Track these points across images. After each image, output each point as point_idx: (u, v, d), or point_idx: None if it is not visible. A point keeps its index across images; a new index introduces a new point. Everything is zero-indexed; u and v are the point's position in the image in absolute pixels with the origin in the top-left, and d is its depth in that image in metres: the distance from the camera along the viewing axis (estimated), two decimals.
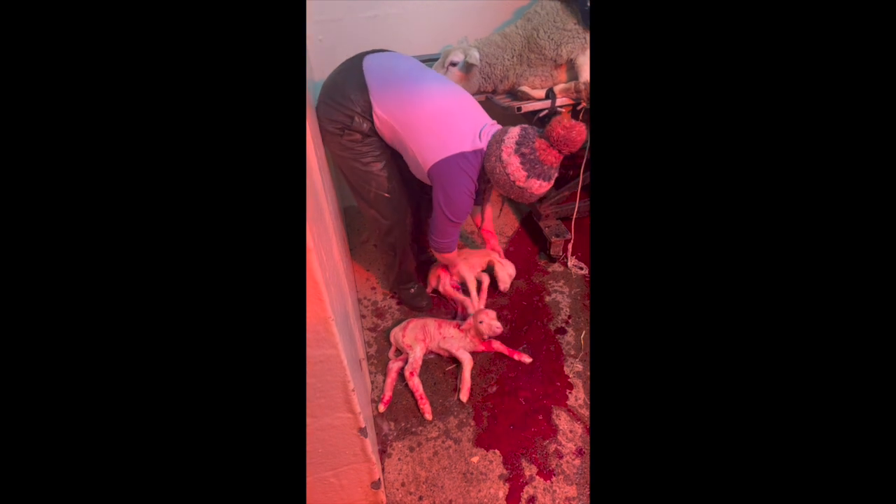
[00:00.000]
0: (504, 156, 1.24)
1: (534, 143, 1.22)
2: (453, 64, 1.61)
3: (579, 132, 1.19)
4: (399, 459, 1.34)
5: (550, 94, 1.63)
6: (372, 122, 1.33)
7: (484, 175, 1.33)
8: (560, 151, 1.23)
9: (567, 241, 1.93)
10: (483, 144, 1.30)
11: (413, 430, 1.41)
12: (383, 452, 1.35)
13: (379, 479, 1.15)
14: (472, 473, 1.29)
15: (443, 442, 1.37)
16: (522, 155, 1.23)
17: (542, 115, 1.67)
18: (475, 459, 1.32)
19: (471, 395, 1.47)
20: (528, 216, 2.21)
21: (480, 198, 1.62)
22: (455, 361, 1.58)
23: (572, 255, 1.95)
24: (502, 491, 1.25)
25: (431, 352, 1.60)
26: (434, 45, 1.91)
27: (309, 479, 1.04)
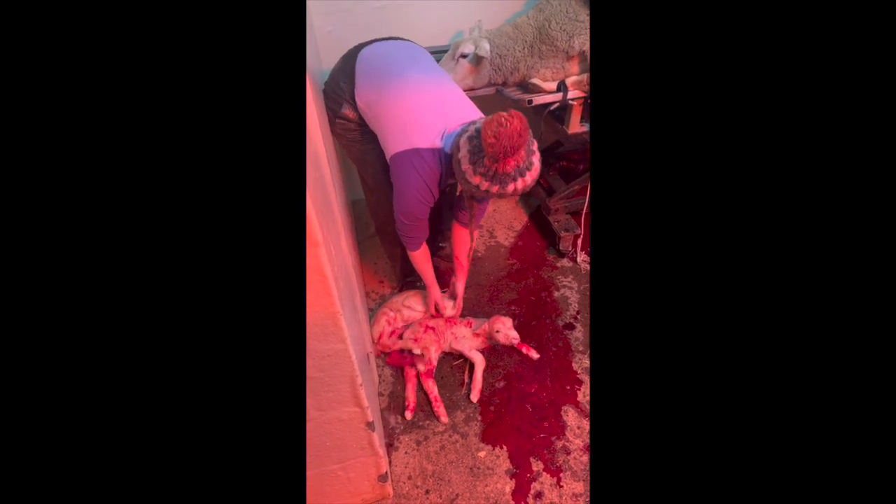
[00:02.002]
0: (461, 142, 1.14)
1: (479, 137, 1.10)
2: (463, 56, 1.59)
3: (507, 134, 1.02)
4: (406, 453, 1.34)
5: (562, 87, 1.61)
6: (357, 110, 1.34)
7: (445, 180, 1.24)
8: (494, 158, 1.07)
9: (576, 237, 1.92)
10: (442, 145, 1.21)
11: (420, 423, 1.41)
12: (390, 446, 1.36)
13: (386, 472, 1.15)
14: (478, 468, 1.29)
15: (450, 436, 1.37)
16: (469, 139, 1.11)
17: (553, 108, 1.64)
18: (482, 454, 1.32)
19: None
20: (538, 210, 2.19)
21: (466, 213, 1.45)
22: (463, 356, 1.58)
23: (581, 250, 1.94)
24: (509, 486, 1.25)
25: (442, 352, 1.60)
26: (444, 37, 1.88)
27: (317, 472, 1.04)
